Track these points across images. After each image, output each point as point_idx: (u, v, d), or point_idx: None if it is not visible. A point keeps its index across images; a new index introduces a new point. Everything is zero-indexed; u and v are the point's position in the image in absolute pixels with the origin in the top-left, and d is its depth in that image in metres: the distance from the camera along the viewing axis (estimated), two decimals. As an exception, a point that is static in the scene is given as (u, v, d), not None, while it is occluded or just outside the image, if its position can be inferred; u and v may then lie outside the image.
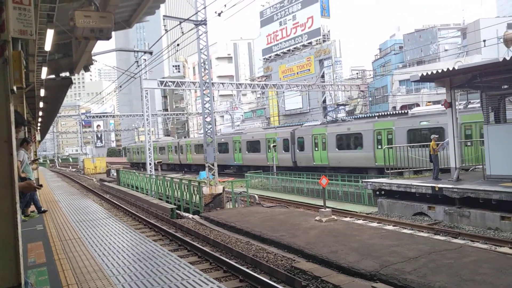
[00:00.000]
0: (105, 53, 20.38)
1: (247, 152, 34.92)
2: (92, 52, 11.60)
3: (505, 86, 13.98)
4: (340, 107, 47.30)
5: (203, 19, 18.65)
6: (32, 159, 13.98)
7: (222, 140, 38.64)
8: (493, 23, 36.52)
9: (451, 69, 12.57)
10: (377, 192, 15.53)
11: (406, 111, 26.04)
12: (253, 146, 34.36)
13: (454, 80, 13.83)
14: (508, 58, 11.11)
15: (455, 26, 49.94)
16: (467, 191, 12.04)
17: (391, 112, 30.53)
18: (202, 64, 19.64)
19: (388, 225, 13.03)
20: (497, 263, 7.58)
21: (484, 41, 26.54)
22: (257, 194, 18.92)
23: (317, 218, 12.09)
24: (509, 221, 10.91)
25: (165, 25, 20.41)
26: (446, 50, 43.57)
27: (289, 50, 56.89)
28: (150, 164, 29.13)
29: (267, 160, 31.70)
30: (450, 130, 14.12)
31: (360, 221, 13.84)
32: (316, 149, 27.33)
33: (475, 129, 18.59)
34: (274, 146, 30.73)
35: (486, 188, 11.62)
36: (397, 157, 16.92)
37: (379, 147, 21.95)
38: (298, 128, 30.54)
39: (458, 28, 48.13)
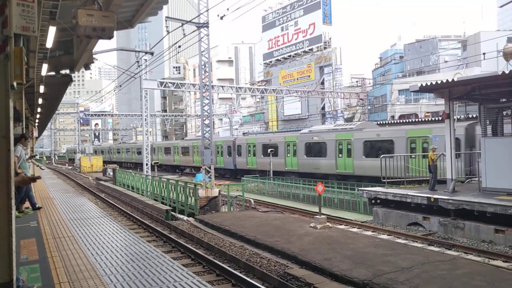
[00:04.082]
0: (106, 52, 20.38)
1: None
2: (93, 50, 11.61)
3: (503, 100, 14.06)
4: (339, 114, 47.44)
5: (205, 22, 18.69)
6: (29, 155, 13.95)
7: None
8: (493, 37, 36.75)
9: (450, 80, 12.63)
10: (373, 201, 15.54)
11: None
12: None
13: (453, 92, 13.88)
14: (507, 72, 11.17)
15: (456, 38, 50.20)
16: (462, 203, 12.06)
17: None
18: (203, 67, 19.66)
19: (383, 234, 13.03)
20: (490, 276, 7.59)
21: (484, 54, 26.71)
22: (252, 199, 18.91)
23: (312, 224, 12.09)
24: (503, 235, 10.94)
25: (167, 26, 20.40)
26: (446, 62, 43.76)
27: (290, 56, 57.03)
28: (146, 164, 29.12)
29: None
30: (447, 142, 14.16)
31: (355, 229, 13.83)
32: None
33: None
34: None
35: (481, 201, 11.65)
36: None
37: None
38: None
39: (459, 40, 48.40)
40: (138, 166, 54.45)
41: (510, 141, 12.98)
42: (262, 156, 32.56)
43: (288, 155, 30.17)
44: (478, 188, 13.67)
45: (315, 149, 28.04)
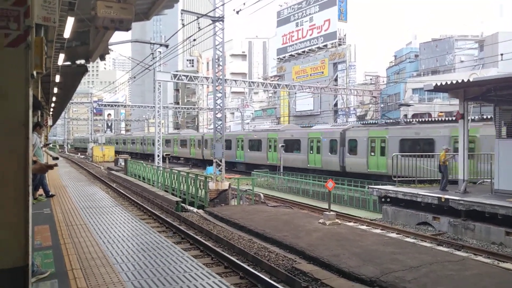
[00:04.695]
0: (121, 44, 20.54)
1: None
2: (109, 41, 11.72)
3: (519, 101, 13.89)
4: (352, 112, 47.25)
5: (220, 16, 18.71)
6: (43, 143, 14.16)
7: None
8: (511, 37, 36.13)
9: (466, 80, 12.51)
10: (383, 199, 15.50)
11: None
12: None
13: (468, 92, 13.75)
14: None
15: (473, 37, 49.46)
16: (474, 204, 11.99)
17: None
18: (217, 60, 19.71)
19: (392, 232, 13.01)
20: (499, 278, 7.56)
21: (502, 54, 26.31)
22: (262, 193, 18.97)
23: (321, 220, 12.11)
24: (514, 237, 10.86)
25: (182, 20, 20.50)
26: (462, 62, 43.20)
27: (303, 52, 56.83)
28: (158, 156, 29.37)
29: None
30: (460, 142, 14.05)
31: (364, 227, 13.83)
32: None
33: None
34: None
35: (493, 203, 11.56)
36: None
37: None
38: None
39: (476, 40, 47.68)
40: (132, 155, 57.24)
41: (524, 144, 12.85)
42: (248, 150, 37.81)
43: (238, 149, 36.71)
44: (490, 189, 13.56)
45: (255, 145, 34.48)
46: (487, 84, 12.93)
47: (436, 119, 26.16)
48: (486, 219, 11.72)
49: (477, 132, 19.93)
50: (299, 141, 29.79)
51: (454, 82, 12.81)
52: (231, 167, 35.90)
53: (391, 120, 30.97)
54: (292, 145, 30.55)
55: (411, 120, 28.90)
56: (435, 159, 17.30)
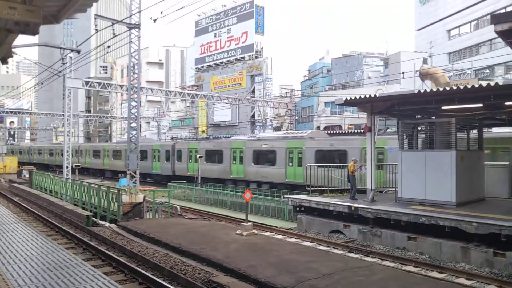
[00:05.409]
0: (27, 47, 19.12)
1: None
2: (13, 44, 10.86)
3: (418, 116, 15.16)
4: (268, 123, 48.37)
5: (136, 23, 18.20)
6: None
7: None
8: (411, 57, 39.45)
9: (372, 96, 13.37)
10: (297, 208, 15.95)
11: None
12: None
13: (374, 107, 14.69)
14: (422, 91, 12.08)
15: (379, 55, 53.27)
16: (380, 212, 12.77)
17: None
18: (132, 68, 19.10)
19: (306, 241, 13.41)
20: (402, 280, 8.11)
21: (403, 73, 28.55)
22: (179, 205, 18.62)
23: (238, 231, 12.16)
24: (415, 242, 11.73)
25: (96, 25, 19.61)
26: (369, 77, 46.21)
27: (222, 62, 57.19)
28: (67, 167, 27.64)
29: None
30: (368, 153, 14.95)
31: (280, 236, 14.10)
32: None
33: None
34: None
35: (397, 210, 12.41)
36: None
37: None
38: None
39: (382, 57, 51.37)
40: (37, 166, 55.89)
41: (423, 155, 14.00)
42: (112, 159, 43.40)
43: (105, 157, 43.06)
44: (394, 198, 14.55)
45: (117, 155, 40.22)
46: (390, 100, 13.93)
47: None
48: (391, 225, 12.54)
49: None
50: (146, 151, 36.92)
51: (362, 97, 13.64)
52: (102, 174, 44.51)
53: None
54: (141, 154, 35.32)
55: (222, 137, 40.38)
56: (224, 165, 29.21)
